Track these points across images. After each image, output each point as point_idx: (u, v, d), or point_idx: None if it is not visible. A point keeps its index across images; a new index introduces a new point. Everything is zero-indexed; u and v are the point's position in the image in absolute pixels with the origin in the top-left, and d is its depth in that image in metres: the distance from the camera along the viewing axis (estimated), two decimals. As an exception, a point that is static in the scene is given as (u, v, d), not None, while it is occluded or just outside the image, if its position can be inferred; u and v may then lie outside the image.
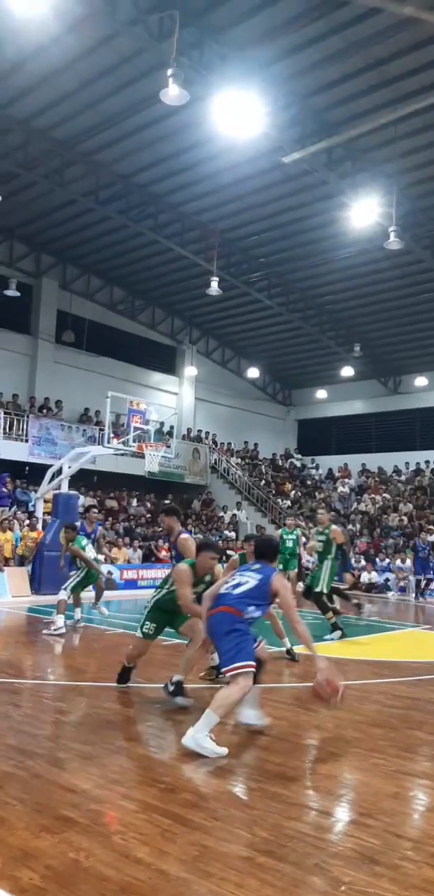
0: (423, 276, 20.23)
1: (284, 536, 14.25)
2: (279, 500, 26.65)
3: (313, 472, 29.73)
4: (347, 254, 19.46)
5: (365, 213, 14.98)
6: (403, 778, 4.67)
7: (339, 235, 18.37)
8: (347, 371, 26.59)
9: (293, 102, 13.51)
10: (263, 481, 27.69)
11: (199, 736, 4.73)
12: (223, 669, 5.09)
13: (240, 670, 4.85)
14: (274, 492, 27.28)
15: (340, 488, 27.34)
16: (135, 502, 22.70)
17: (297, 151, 13.28)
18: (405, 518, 23.57)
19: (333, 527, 10.53)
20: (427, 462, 26.42)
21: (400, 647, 10.44)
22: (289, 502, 26.66)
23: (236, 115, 11.72)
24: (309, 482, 28.92)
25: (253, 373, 28.47)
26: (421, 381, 26.69)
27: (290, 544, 14.45)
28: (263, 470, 28.75)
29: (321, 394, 29.67)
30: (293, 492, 27.71)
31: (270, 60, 12.51)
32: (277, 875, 3.25)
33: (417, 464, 26.68)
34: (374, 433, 29.35)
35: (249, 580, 5.22)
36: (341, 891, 3.14)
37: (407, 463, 27.05)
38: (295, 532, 15.07)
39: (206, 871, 3.26)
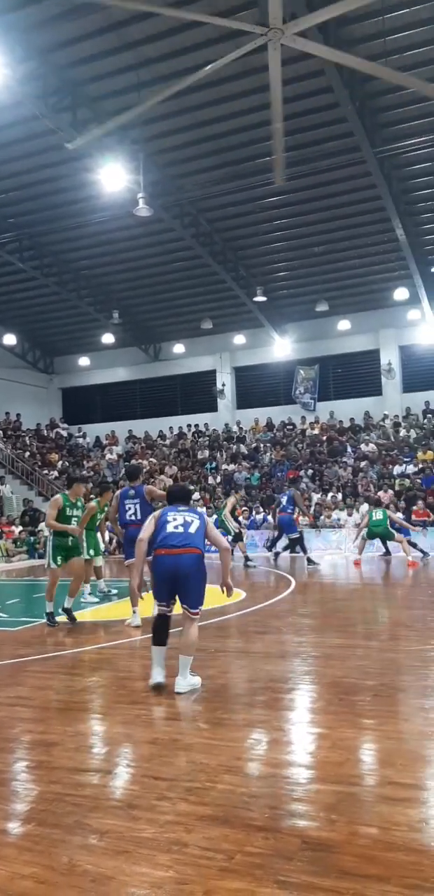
0: (174, 245, 20.81)
1: None
2: (46, 472, 25.99)
3: (81, 440, 29.44)
4: (100, 218, 19.24)
5: (113, 177, 14.90)
6: (162, 723, 4.92)
7: (91, 199, 18.05)
8: (108, 338, 26.47)
9: (32, 56, 12.91)
10: (28, 453, 26.74)
11: (189, 678, 5.52)
12: (195, 609, 5.60)
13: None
14: (40, 463, 26.52)
15: (108, 455, 27.47)
16: None
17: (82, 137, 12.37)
18: (171, 480, 24.47)
19: None
20: (188, 425, 27.71)
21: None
22: (56, 473, 26.13)
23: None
24: (76, 451, 28.60)
25: (10, 339, 26.90)
26: (179, 347, 27.47)
27: None
28: (27, 441, 27.76)
29: (84, 361, 29.21)
30: (60, 462, 27.21)
31: (3, 9, 11.77)
32: (36, 839, 3.24)
33: (180, 427, 27.83)
34: (139, 399, 29.92)
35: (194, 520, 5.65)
36: (95, 842, 3.22)
37: (171, 427, 28.06)
38: None
39: (-41, 856, 3.14)
